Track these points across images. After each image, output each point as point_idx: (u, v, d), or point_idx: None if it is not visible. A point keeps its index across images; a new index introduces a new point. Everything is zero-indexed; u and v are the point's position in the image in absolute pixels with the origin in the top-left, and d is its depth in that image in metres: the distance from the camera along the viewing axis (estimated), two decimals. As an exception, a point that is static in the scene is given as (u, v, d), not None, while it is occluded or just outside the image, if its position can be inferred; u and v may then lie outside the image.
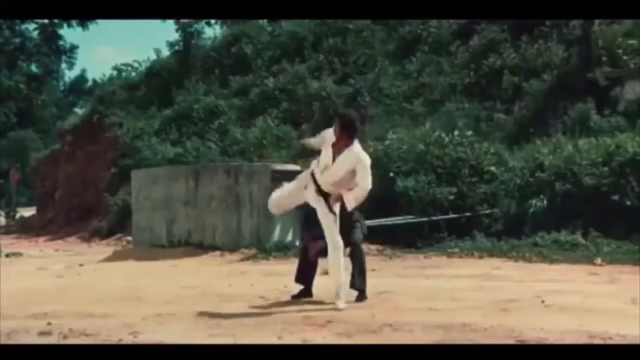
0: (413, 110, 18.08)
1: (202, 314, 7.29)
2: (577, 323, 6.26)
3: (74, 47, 55.11)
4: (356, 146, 7.20)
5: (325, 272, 8.11)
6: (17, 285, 10.29)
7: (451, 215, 13.46)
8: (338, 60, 22.05)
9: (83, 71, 59.22)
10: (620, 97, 15.80)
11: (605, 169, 12.72)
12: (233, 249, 13.76)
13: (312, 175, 7.33)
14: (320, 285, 7.99)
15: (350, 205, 7.20)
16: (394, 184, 13.53)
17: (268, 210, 8.19)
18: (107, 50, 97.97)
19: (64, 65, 55.81)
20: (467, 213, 13.49)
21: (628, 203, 12.33)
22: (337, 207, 7.22)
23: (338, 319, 6.70)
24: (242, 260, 13.06)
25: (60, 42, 48.25)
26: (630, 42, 16.87)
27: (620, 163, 12.74)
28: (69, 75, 58.33)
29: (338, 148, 7.17)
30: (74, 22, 40.78)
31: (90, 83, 56.02)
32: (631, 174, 12.55)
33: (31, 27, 47.00)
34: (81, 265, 13.64)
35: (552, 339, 5.66)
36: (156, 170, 17.03)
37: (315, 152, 7.64)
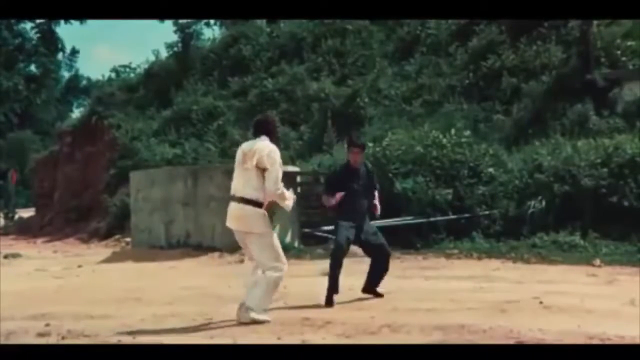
0: (412, 112, 18.07)
1: (201, 314, 7.29)
2: (576, 324, 6.26)
3: (75, 52, 55.34)
4: None
5: (325, 274, 8.13)
6: (15, 286, 10.30)
7: (450, 217, 13.46)
8: (337, 61, 22.04)
9: (76, 70, 59.14)
10: (619, 98, 15.80)
11: (604, 170, 12.72)
12: (232, 250, 13.75)
13: None
14: (319, 286, 8.00)
15: None
16: (392, 185, 13.52)
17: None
18: (105, 50, 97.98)
19: (64, 68, 56.04)
20: (465, 214, 13.49)
21: (626, 204, 12.33)
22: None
23: (337, 320, 6.70)
24: (241, 261, 13.05)
25: (59, 42, 48.34)
26: (629, 43, 16.89)
27: (619, 164, 12.74)
28: (65, 74, 58.33)
29: None
30: (71, 20, 40.82)
31: (85, 82, 56.02)
32: (630, 175, 12.55)
33: (29, 27, 47.12)
34: (80, 266, 13.65)
35: (551, 339, 5.66)
36: (155, 171, 17.04)
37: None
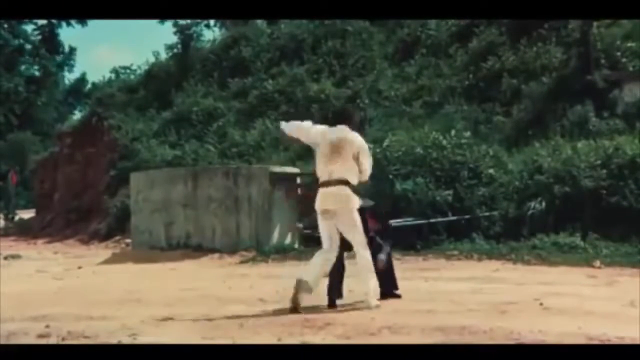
0: (412, 113, 18.06)
1: (201, 316, 7.28)
2: (576, 325, 6.25)
3: (73, 50, 55.28)
4: None
5: (324, 275, 8.11)
6: (15, 287, 10.29)
7: (450, 218, 13.45)
8: (337, 62, 22.03)
9: (83, 74, 59.26)
10: (619, 99, 15.82)
11: (604, 171, 12.72)
12: (232, 251, 13.76)
13: None
14: (319, 287, 7.99)
15: None
16: (392, 187, 13.52)
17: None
18: (105, 51, 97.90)
19: (65, 68, 56.00)
20: (466, 215, 13.48)
21: (626, 205, 12.33)
22: None
23: (337, 322, 6.69)
24: (241, 262, 13.06)
25: (59, 45, 48.38)
26: (629, 44, 16.90)
27: (619, 165, 12.75)
28: (69, 77, 58.39)
29: None
30: (72, 21, 40.81)
31: (89, 86, 56.05)
32: (630, 176, 12.56)
33: (30, 29, 47.13)
34: (80, 267, 13.65)
35: (551, 341, 5.65)
36: (155, 173, 17.02)
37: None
